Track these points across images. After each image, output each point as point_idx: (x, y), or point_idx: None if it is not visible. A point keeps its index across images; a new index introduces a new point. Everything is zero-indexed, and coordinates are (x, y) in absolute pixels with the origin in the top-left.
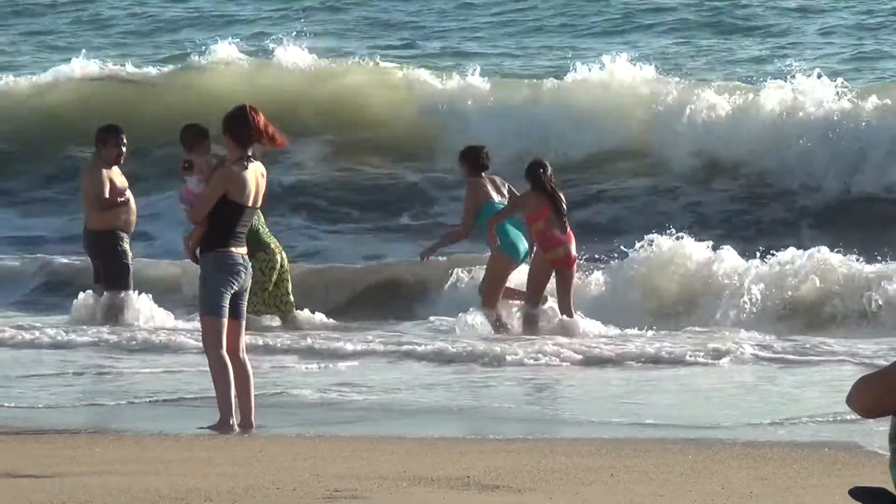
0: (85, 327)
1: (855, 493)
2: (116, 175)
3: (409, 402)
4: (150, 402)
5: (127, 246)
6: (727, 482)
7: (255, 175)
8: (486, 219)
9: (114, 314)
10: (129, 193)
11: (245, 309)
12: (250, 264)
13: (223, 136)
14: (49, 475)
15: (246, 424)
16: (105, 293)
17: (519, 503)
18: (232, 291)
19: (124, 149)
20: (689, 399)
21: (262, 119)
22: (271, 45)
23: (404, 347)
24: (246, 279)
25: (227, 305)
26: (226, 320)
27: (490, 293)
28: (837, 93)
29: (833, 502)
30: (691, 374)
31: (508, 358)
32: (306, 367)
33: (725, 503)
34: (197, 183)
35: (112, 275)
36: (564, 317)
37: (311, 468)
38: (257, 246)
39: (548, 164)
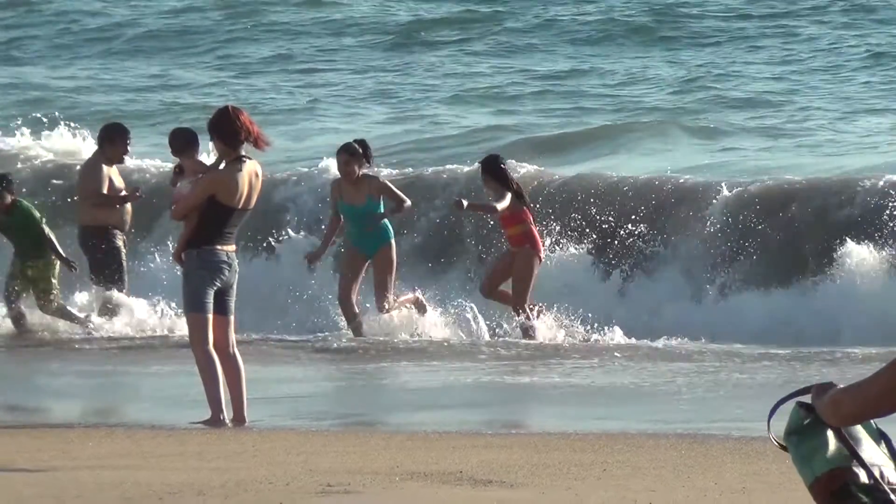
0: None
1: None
2: (115, 174)
3: (401, 396)
4: (142, 397)
5: (120, 243)
6: (720, 477)
7: (249, 176)
8: (381, 212)
9: (107, 312)
10: (125, 192)
11: (233, 305)
12: (236, 261)
13: (212, 141)
14: (41, 469)
15: (238, 419)
16: (97, 290)
17: (511, 498)
18: (215, 288)
19: (130, 149)
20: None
21: (246, 118)
22: None
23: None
24: (231, 276)
25: (211, 301)
26: (210, 316)
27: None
28: None
29: None
30: (687, 370)
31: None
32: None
33: (718, 498)
34: (189, 186)
35: (102, 271)
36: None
37: (304, 463)
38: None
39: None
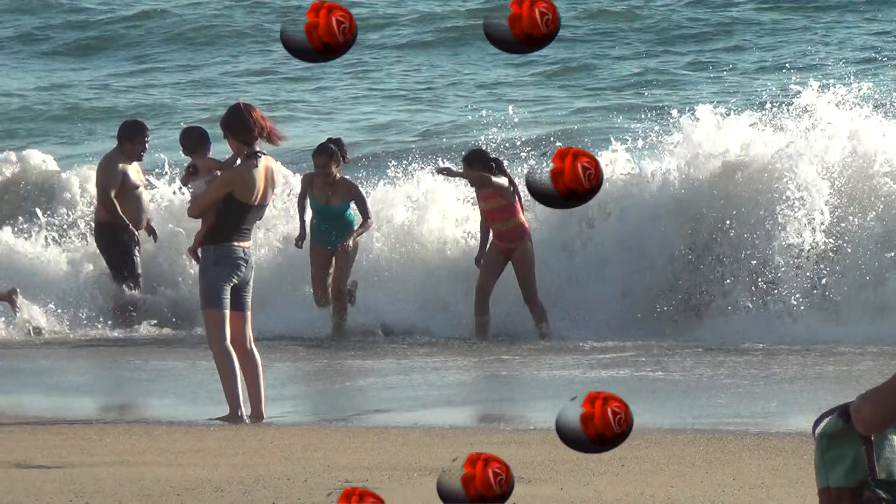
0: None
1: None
2: (133, 170)
3: (419, 393)
4: (160, 393)
5: (133, 240)
6: (738, 473)
7: (265, 173)
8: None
9: (123, 309)
10: (142, 189)
11: (249, 301)
12: (252, 257)
13: (225, 139)
14: (60, 465)
15: (256, 415)
16: (114, 286)
17: (530, 494)
18: (232, 284)
19: (148, 146)
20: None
21: (259, 114)
22: None
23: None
24: (247, 272)
25: (228, 297)
26: (227, 312)
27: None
28: None
29: None
30: (704, 364)
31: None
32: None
33: (736, 494)
34: (204, 185)
35: (117, 269)
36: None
37: (322, 459)
38: None
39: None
